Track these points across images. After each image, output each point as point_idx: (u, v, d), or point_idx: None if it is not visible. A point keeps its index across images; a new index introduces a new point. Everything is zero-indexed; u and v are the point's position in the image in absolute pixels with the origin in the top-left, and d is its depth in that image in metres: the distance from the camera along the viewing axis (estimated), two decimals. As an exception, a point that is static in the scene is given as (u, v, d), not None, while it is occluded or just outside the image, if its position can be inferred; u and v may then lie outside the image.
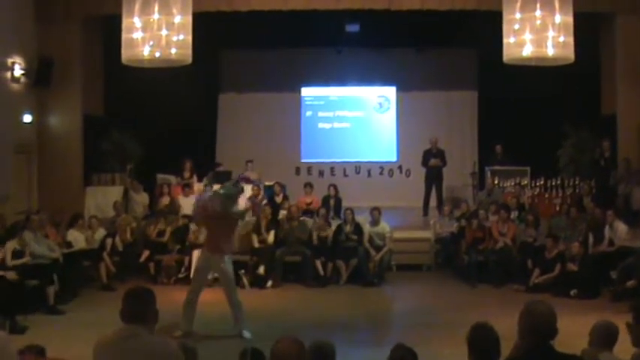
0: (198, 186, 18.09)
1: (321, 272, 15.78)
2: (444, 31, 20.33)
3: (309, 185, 18.69)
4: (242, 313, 11.29)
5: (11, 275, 12.40)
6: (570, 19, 12.09)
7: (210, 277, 12.75)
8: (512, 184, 18.47)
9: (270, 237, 16.17)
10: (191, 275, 13.57)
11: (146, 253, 15.98)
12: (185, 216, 16.56)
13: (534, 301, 4.89)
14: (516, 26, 11.89)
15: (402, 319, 13.34)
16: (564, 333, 4.76)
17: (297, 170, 23.53)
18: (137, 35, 11.07)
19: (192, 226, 15.89)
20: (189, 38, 11.31)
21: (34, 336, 9.74)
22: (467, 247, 16.03)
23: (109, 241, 15.97)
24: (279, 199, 18.01)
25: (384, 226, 16.43)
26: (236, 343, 10.31)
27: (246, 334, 10.99)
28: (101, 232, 16.22)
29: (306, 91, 24.08)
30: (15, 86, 17.55)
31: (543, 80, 17.03)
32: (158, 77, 15.65)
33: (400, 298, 14.95)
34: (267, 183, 18.73)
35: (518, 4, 12.17)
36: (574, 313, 10.79)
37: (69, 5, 18.10)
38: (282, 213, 17.18)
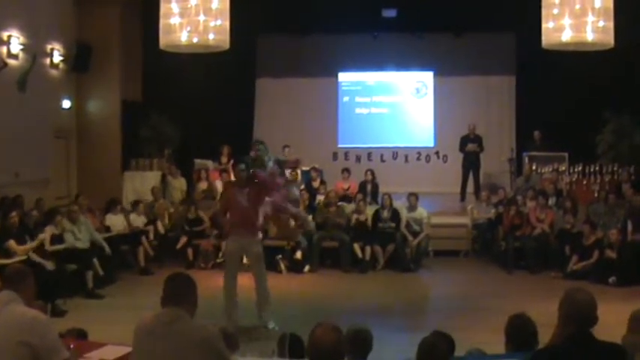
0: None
1: (360, 255, 15.81)
2: (481, 15, 20.23)
3: (346, 170, 18.71)
4: (269, 302, 10.97)
5: (50, 265, 12.50)
6: (610, 4, 11.94)
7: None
8: (550, 170, 18.34)
9: (308, 222, 16.20)
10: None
11: (184, 240, 16.10)
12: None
13: (574, 288, 4.87)
14: (555, 10, 11.76)
15: (439, 304, 13.31)
16: (602, 321, 4.74)
17: (335, 155, 23.55)
18: (175, 21, 11.09)
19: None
20: (227, 24, 11.30)
21: (74, 319, 9.82)
22: (504, 234, 15.97)
23: (150, 227, 16.11)
24: (316, 184, 18.05)
25: (422, 211, 16.39)
26: (274, 330, 10.36)
27: (272, 324, 10.68)
28: (142, 219, 16.31)
29: (343, 77, 24.08)
30: (54, 72, 17.74)
31: (582, 65, 16.87)
32: (196, 63, 15.71)
33: (437, 284, 14.93)
34: (304, 168, 18.76)
35: (558, -12, 12.05)
36: (612, 301, 10.70)
37: (107, -9, 18.26)
38: (319, 198, 17.19)
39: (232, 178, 13.66)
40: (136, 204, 16.64)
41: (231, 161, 18.58)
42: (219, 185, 17.63)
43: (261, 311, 10.88)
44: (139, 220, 16.18)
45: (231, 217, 11.03)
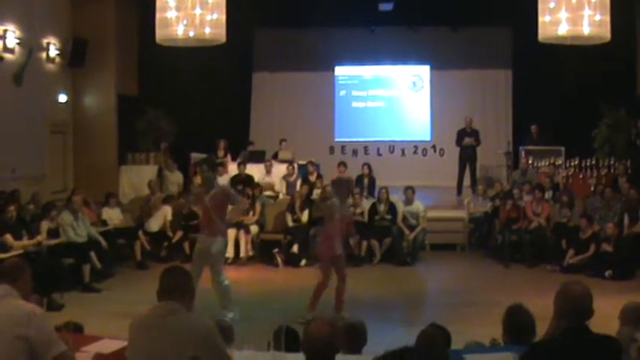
0: (232, 165, 18.22)
1: (354, 250, 15.78)
2: (478, 9, 20.23)
3: (342, 164, 18.63)
4: (228, 297, 10.98)
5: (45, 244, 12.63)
6: (607, -3, 11.94)
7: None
8: (547, 164, 18.36)
9: (305, 216, 16.18)
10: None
11: (179, 234, 16.04)
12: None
13: (570, 281, 4.87)
14: (552, 4, 11.74)
15: (435, 298, 13.34)
16: (598, 314, 4.73)
17: (331, 149, 23.57)
18: (171, 14, 11.07)
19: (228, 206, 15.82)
20: (224, 17, 11.29)
21: (71, 313, 9.81)
22: (501, 227, 15.97)
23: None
24: (312, 178, 18.02)
25: (418, 205, 16.40)
26: (270, 323, 10.35)
27: (231, 314, 10.62)
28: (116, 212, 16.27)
29: (340, 70, 24.08)
30: (50, 66, 17.71)
31: (579, 59, 16.88)
32: (192, 56, 15.68)
33: (433, 278, 14.96)
34: (300, 162, 18.75)
35: (554, -18, 12.02)
36: (608, 294, 10.70)
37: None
38: (316, 192, 17.17)
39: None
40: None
41: (227, 156, 18.65)
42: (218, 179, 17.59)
43: (221, 306, 10.89)
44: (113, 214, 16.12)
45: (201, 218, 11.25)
